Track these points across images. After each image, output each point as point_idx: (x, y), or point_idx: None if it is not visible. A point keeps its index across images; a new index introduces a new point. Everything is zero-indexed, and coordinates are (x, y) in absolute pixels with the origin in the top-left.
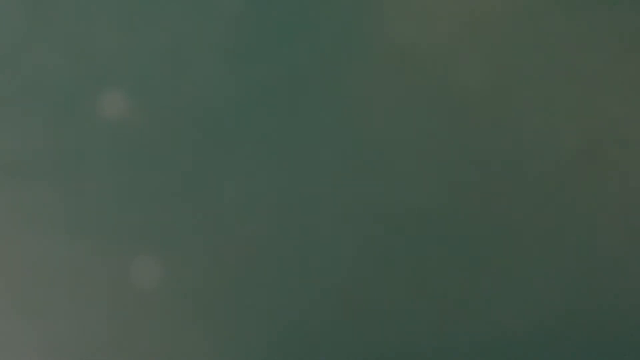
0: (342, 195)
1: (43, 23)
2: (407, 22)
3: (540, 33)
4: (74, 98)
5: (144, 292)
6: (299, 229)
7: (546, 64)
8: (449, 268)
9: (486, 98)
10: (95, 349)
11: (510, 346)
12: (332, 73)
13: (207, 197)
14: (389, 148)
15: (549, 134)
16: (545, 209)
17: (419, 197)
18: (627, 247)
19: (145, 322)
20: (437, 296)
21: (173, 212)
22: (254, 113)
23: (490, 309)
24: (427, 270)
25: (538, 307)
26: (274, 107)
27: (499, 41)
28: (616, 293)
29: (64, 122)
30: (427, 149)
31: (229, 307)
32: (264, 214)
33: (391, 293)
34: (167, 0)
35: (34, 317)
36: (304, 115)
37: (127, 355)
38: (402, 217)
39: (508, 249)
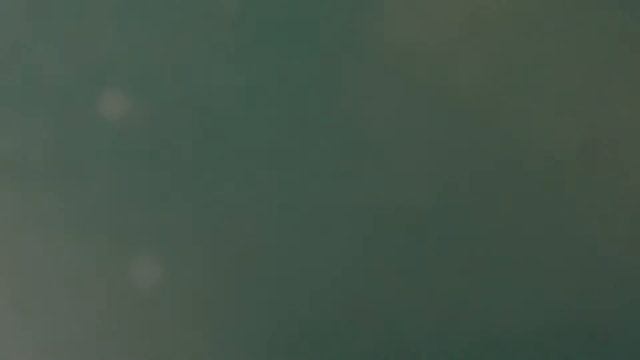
0: (341, 195)
1: (43, 23)
2: (407, 22)
3: (540, 33)
4: (74, 98)
5: (144, 292)
6: (298, 228)
7: (546, 64)
8: (449, 268)
9: (486, 98)
10: (95, 348)
11: (510, 346)
12: (331, 73)
13: (207, 197)
14: (388, 148)
15: (549, 134)
16: (545, 208)
17: (419, 197)
18: (628, 247)
19: (145, 322)
20: (437, 296)
21: (173, 212)
22: (254, 113)
23: (489, 309)
24: (426, 270)
25: (537, 306)
26: (274, 107)
27: (499, 41)
28: (616, 293)
29: (64, 122)
30: (427, 148)
31: (228, 307)
32: (263, 214)
33: (391, 293)
34: (167, 0)
35: (33, 317)
36: (303, 115)
37: (127, 355)
38: (401, 216)
39: (508, 249)
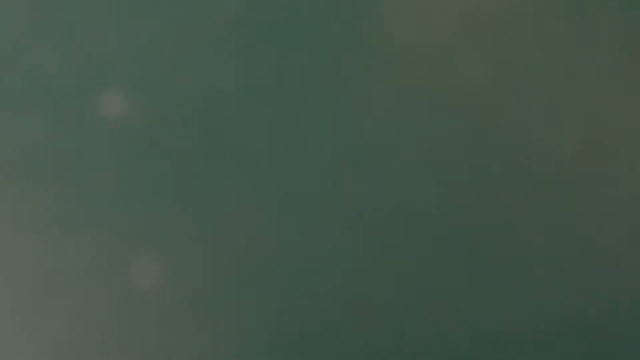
0: (341, 195)
1: (43, 23)
2: (407, 22)
3: (540, 33)
4: (74, 98)
5: (144, 292)
6: (298, 228)
7: (546, 64)
8: (449, 268)
9: (486, 98)
10: (95, 349)
11: (510, 346)
12: (331, 73)
13: (207, 197)
14: (388, 148)
15: (549, 134)
16: (545, 208)
17: (419, 197)
18: (628, 247)
19: (145, 322)
20: (437, 296)
21: (173, 212)
22: (254, 113)
23: (489, 309)
24: (426, 270)
25: (538, 306)
26: (274, 107)
27: (499, 41)
28: (617, 293)
29: (64, 122)
30: (427, 148)
31: (228, 307)
32: (263, 214)
33: (391, 293)
34: (167, 0)
35: (33, 317)
36: (303, 114)
37: (126, 355)
38: (402, 217)
39: (508, 249)
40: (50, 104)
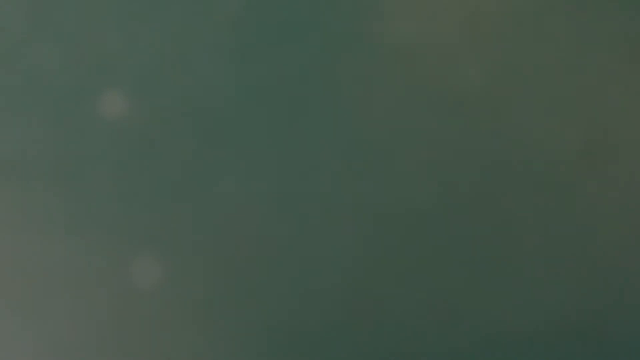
0: (341, 195)
1: (43, 23)
2: (407, 22)
3: (540, 33)
4: (74, 98)
5: (144, 292)
6: (298, 228)
7: (546, 64)
8: (449, 268)
9: (486, 98)
10: (95, 348)
11: (510, 346)
12: (331, 73)
13: (207, 197)
14: (388, 148)
15: (549, 134)
16: (545, 208)
17: (419, 197)
18: (628, 247)
19: (145, 322)
20: (437, 296)
21: (173, 212)
22: (254, 113)
23: (489, 309)
24: (426, 270)
25: (538, 306)
26: (274, 108)
27: (499, 41)
28: (616, 293)
29: (64, 122)
30: (427, 148)
31: (228, 307)
32: (264, 214)
33: (391, 293)
34: (167, 0)
35: (33, 317)
36: (303, 115)
37: (127, 355)
38: (402, 217)
39: (508, 249)
40: (50, 104)
